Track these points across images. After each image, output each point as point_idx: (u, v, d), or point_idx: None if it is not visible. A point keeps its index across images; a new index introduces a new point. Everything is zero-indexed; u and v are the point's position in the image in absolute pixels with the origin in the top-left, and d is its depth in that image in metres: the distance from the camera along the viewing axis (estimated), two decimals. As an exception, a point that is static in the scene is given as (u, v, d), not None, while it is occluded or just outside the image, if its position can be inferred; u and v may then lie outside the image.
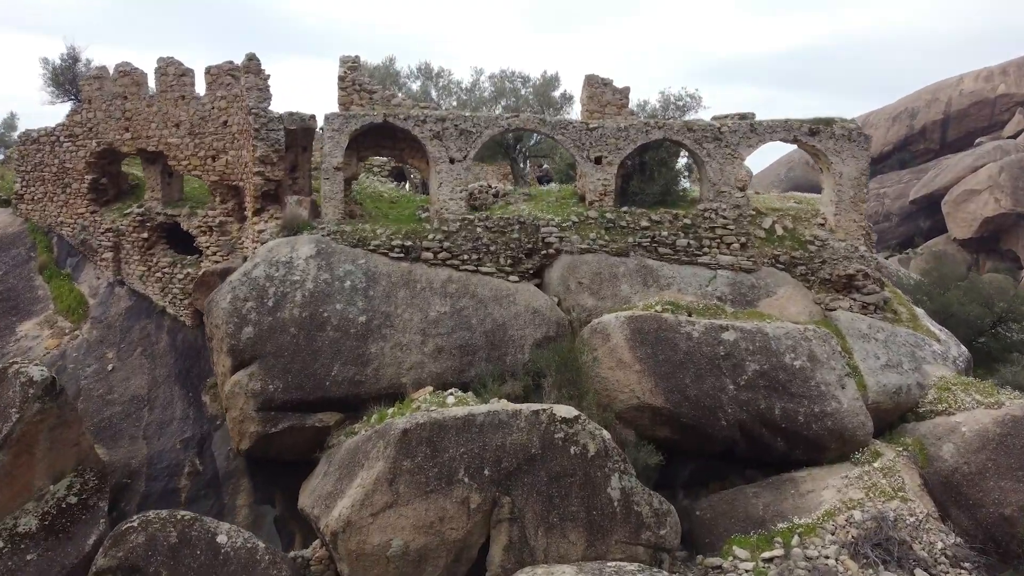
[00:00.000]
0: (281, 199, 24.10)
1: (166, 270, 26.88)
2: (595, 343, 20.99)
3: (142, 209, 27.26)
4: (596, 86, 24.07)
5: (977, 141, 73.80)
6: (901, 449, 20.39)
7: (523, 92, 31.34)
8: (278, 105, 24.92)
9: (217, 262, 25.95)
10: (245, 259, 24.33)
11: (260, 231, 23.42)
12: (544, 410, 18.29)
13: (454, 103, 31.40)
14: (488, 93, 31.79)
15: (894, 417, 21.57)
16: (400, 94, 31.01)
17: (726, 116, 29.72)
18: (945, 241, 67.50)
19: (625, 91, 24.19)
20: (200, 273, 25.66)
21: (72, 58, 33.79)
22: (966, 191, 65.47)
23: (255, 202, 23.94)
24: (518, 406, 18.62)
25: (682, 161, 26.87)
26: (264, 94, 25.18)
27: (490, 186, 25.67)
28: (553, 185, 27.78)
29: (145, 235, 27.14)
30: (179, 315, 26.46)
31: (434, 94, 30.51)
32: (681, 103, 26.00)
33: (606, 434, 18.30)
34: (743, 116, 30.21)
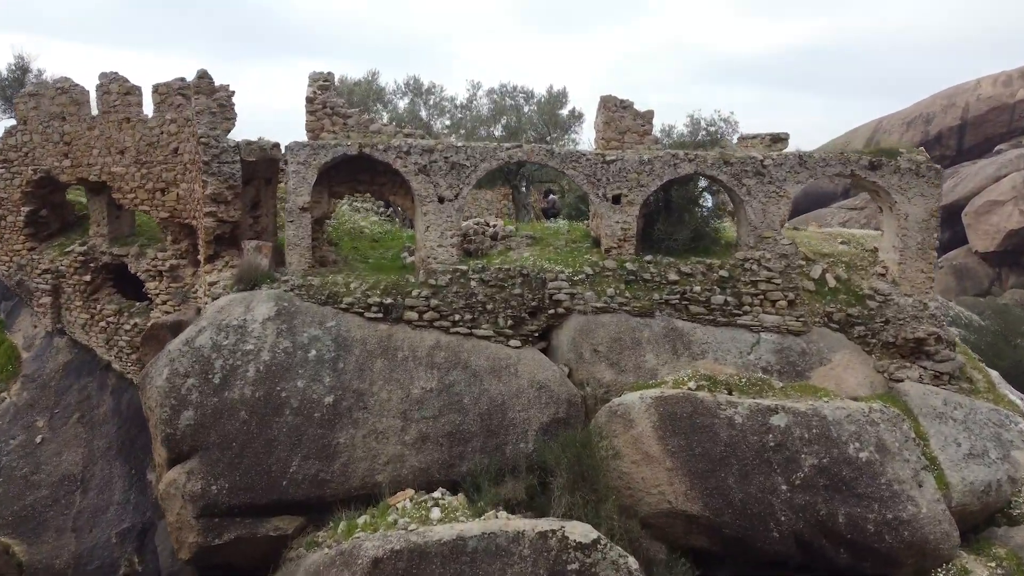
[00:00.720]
0: (239, 243, 19.83)
1: (111, 319, 22.60)
2: (615, 430, 16.69)
3: (85, 247, 22.96)
4: (614, 109, 19.69)
5: (997, 148, 69.50)
6: (994, 565, 16.13)
7: (526, 110, 26.94)
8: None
9: (169, 312, 21.71)
10: (199, 311, 20.11)
11: (212, 283, 19.12)
12: (554, 532, 14.10)
13: (447, 122, 27.02)
14: (486, 109, 27.39)
15: (980, 520, 17.30)
16: (385, 115, 26.76)
17: (754, 136, 25.45)
18: (966, 254, 63.34)
19: (648, 115, 19.81)
20: (148, 325, 21.44)
21: (21, 68, 29.56)
22: (988, 202, 61.39)
23: (207, 247, 19.64)
24: (520, 524, 14.41)
25: (703, 193, 22.39)
26: (218, 119, 20.80)
27: (487, 224, 21.33)
28: (562, 222, 23.41)
29: (88, 277, 22.85)
30: (126, 372, 22.22)
31: (424, 114, 26.20)
32: (713, 128, 21.57)
33: (633, 563, 14.11)
34: (775, 138, 25.89)
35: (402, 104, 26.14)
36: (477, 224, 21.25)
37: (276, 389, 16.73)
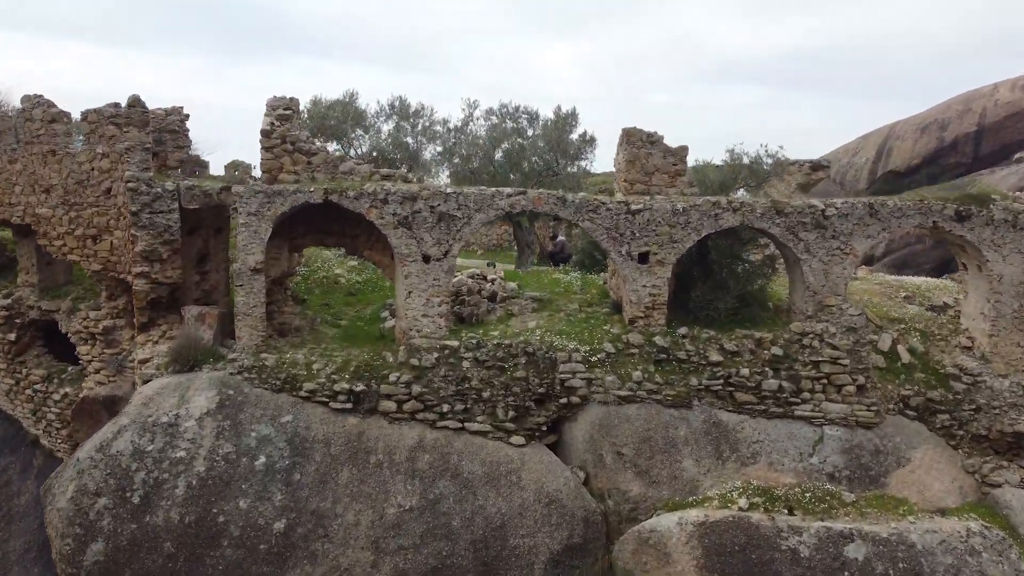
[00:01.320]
0: (182, 305, 15.91)
1: (39, 386, 18.76)
2: (646, 565, 12.75)
3: (9, 300, 19.10)
4: (639, 145, 15.67)
5: (1016, 156, 65.35)
6: None
7: (530, 133, 22.96)
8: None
9: (103, 383, 17.79)
10: (135, 385, 16.21)
11: (143, 361, 15.18)
12: None
13: (438, 150, 23.03)
14: (484, 130, 23.40)
15: (1111, 678, 13.38)
16: (366, 143, 22.75)
17: (792, 163, 21.54)
18: (986, 268, 59.23)
19: (681, 152, 15.80)
20: (79, 399, 17.58)
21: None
22: (1012, 214, 57.15)
23: (141, 313, 15.73)
24: None
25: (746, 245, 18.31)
26: (168, 147, 17.12)
27: (484, 279, 17.36)
28: (573, 274, 19.40)
29: (13, 335, 19.06)
30: (56, 450, 18.38)
31: (410, 140, 22.24)
32: (756, 166, 17.56)
33: None
34: (815, 166, 21.98)
35: (386, 128, 22.29)
36: (472, 279, 17.27)
37: (212, 512, 12.80)
